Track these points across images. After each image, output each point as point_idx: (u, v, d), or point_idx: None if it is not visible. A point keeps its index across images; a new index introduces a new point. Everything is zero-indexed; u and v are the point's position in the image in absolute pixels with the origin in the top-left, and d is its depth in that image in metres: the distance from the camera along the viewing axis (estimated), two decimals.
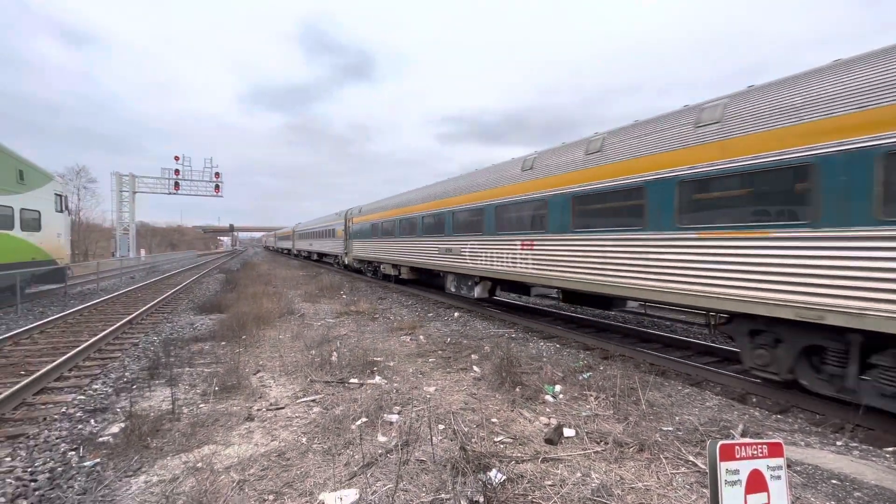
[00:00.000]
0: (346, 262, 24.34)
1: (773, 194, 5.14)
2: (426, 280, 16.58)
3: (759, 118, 5.24)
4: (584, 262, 7.70)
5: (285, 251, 55.59)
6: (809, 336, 4.99)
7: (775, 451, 2.13)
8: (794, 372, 5.23)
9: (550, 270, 8.50)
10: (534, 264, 8.95)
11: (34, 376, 5.89)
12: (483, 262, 10.74)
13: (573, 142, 8.68)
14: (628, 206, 6.90)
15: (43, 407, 5.30)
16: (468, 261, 11.41)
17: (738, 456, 2.05)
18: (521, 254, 9.35)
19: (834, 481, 3.53)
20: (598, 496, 3.23)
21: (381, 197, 19.97)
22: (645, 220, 6.51)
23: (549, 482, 3.44)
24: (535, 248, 8.90)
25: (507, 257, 9.81)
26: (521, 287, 10.69)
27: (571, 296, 9.53)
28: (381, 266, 19.26)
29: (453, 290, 12.92)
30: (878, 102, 4.23)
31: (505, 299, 14.29)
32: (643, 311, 11.02)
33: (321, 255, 33.20)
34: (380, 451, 3.90)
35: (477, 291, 11.57)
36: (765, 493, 2.07)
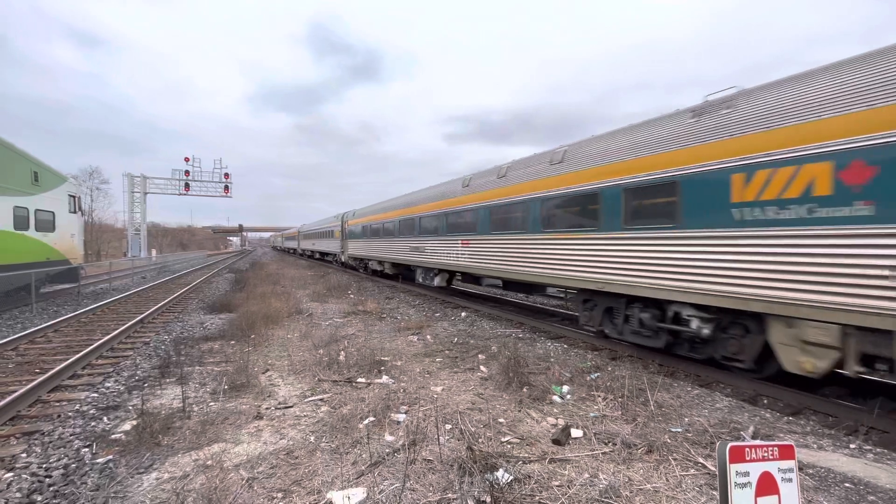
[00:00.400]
0: (343, 260, 26.99)
1: (584, 210, 7.87)
2: (405, 274, 18.64)
3: (577, 162, 8.19)
4: (498, 256, 10.46)
5: (292, 250, 57.85)
6: (607, 301, 7.73)
7: (786, 453, 2.10)
8: (601, 325, 7.95)
9: (479, 263, 11.27)
10: (469, 258, 11.76)
11: (49, 374, 6.01)
12: (439, 258, 13.54)
13: (491, 168, 11.62)
14: (519, 215, 9.64)
15: (57, 404, 5.40)
16: (430, 257, 14.28)
17: (748, 458, 2.02)
18: (461, 250, 12.17)
19: (847, 484, 3.47)
20: (605, 497, 3.21)
21: (385, 198, 21.42)
22: (526, 226, 9.35)
23: (557, 483, 3.43)
24: (470, 245, 11.71)
25: (453, 253, 12.64)
26: (472, 277, 13.10)
27: (505, 283, 12.03)
28: (370, 263, 22.03)
29: (421, 280, 15.76)
30: (618, 158, 7.20)
31: (512, 298, 14.38)
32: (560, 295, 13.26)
33: (323, 253, 35.86)
34: (387, 451, 3.92)
35: (436, 281, 14.44)
36: (776, 496, 2.04)
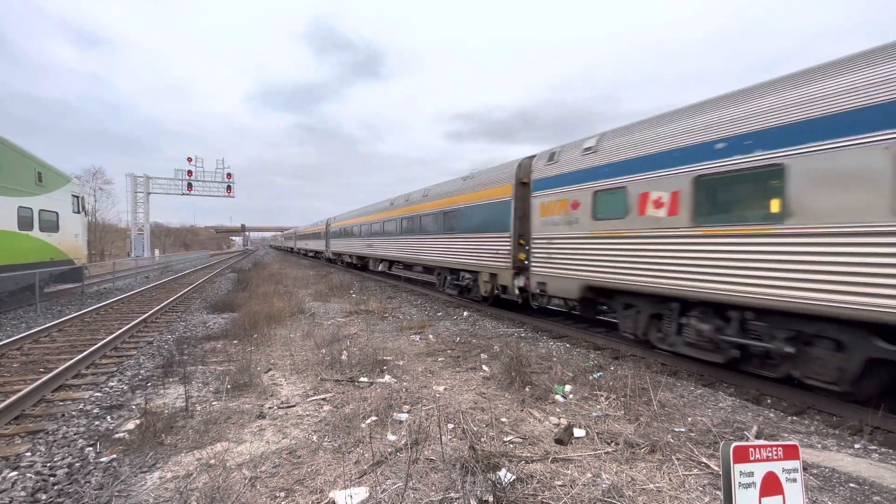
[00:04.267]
0: (328, 256, 42.96)
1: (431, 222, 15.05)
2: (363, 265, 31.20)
3: (434, 196, 14.40)
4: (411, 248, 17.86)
5: (289, 249, 72.20)
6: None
7: (791, 453, 2.09)
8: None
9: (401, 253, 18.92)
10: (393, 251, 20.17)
11: (53, 374, 6.03)
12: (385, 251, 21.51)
13: (438, 183, 16.30)
14: (422, 223, 15.93)
15: (61, 403, 5.43)
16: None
17: (752, 458, 2.01)
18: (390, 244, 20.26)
19: (852, 485, 3.46)
20: (608, 497, 3.21)
21: (362, 204, 30.52)
22: (438, 228, 14.21)
23: (560, 482, 3.42)
24: (407, 241, 18.25)
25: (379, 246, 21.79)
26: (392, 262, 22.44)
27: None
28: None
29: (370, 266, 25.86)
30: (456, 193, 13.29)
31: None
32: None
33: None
34: (389, 450, 3.92)
35: (380, 267, 23.88)
36: (780, 497, 2.03)
